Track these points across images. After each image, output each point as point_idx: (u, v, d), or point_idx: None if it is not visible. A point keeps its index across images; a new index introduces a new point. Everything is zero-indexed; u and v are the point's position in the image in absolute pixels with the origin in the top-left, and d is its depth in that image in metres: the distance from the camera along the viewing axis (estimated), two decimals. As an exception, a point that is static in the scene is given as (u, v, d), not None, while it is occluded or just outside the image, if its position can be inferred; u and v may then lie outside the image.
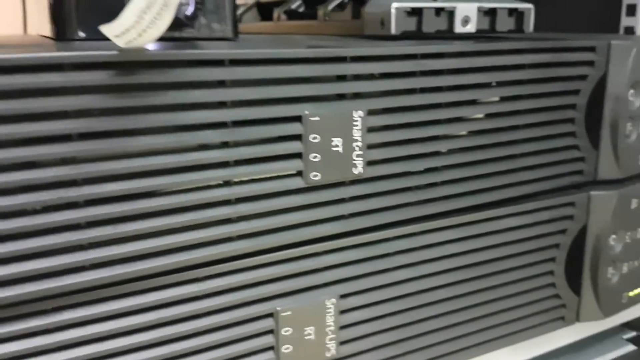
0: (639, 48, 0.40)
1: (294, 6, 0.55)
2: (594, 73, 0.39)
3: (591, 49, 0.39)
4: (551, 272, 0.41)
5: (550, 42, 0.37)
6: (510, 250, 0.39)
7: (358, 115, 0.30)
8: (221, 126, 0.27)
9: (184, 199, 0.27)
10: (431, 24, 0.35)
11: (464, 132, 0.36)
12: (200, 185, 0.28)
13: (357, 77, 0.31)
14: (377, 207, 0.33)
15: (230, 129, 0.28)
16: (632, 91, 0.41)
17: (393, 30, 0.34)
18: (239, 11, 0.59)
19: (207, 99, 0.27)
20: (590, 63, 0.39)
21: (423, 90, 0.33)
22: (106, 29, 0.23)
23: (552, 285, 0.41)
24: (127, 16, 0.23)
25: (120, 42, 0.24)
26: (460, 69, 0.34)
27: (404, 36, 0.35)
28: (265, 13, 0.60)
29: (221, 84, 0.27)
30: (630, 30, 0.50)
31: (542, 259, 0.40)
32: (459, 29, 0.36)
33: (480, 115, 0.37)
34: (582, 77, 0.39)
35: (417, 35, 0.36)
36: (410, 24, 0.35)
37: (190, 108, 0.27)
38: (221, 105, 0.27)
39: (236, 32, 0.34)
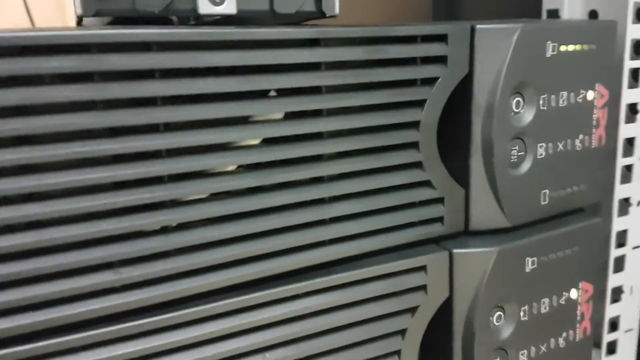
0: (524, 33, 0.27)
1: None
2: (449, 73, 0.26)
3: (440, 38, 0.26)
4: (396, 372, 0.27)
5: (366, 29, 0.24)
6: (326, 345, 0.25)
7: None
8: None
9: None
10: (153, 1, 0.22)
11: (230, 167, 0.23)
12: None
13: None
14: (38, 300, 0.20)
15: None
16: (517, 98, 0.28)
17: (79, 10, 0.21)
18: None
19: None
20: (439, 59, 0.26)
21: (107, 103, 0.20)
22: None
23: (399, 390, 0.28)
24: None
25: None
26: (184, 69, 0.21)
27: (118, 20, 0.23)
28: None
29: None
30: (553, 14, 0.37)
31: (379, 354, 0.27)
32: (205, 8, 0.22)
33: (254, 142, 0.24)
34: (428, 81, 0.26)
35: (144, 18, 0.23)
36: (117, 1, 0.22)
37: None
38: None
39: None
